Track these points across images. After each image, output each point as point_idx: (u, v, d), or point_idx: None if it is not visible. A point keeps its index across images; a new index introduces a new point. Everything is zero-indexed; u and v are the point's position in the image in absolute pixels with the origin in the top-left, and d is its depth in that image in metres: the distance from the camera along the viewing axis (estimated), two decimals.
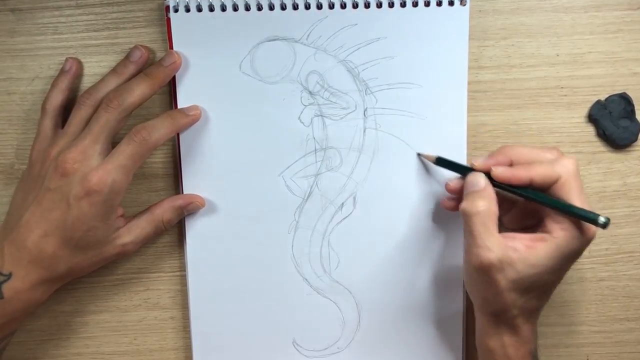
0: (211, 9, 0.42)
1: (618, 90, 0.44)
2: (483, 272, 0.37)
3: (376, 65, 0.43)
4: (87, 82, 0.43)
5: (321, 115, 0.43)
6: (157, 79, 0.41)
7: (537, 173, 0.37)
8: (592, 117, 0.44)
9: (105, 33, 0.43)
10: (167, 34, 0.42)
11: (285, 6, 0.42)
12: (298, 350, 0.46)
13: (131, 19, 0.43)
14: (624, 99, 0.44)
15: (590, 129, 0.45)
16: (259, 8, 0.42)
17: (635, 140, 0.44)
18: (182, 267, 0.45)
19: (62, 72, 0.42)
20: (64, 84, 0.42)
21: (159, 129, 0.40)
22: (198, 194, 0.43)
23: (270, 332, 0.45)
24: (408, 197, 0.44)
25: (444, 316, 0.45)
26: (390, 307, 0.45)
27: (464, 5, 0.42)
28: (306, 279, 0.45)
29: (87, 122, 0.40)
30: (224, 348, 0.46)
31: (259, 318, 0.45)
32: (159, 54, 0.43)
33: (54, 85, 0.42)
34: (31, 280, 0.39)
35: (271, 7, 0.42)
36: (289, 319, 0.45)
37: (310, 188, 0.44)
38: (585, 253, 0.45)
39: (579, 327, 0.47)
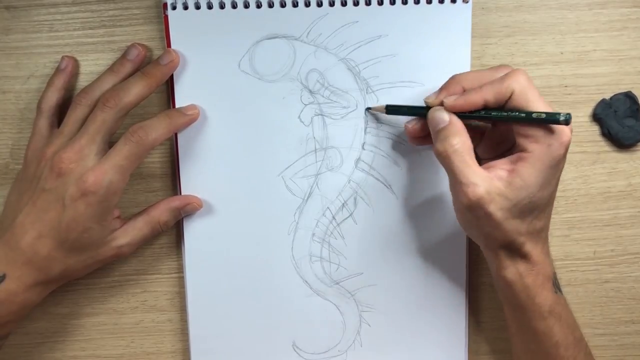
0: (209, 6, 0.42)
1: (623, 88, 0.44)
2: (475, 209, 0.36)
3: (377, 64, 0.43)
4: (83, 80, 0.43)
5: (321, 115, 0.43)
6: (154, 78, 0.41)
7: (489, 93, 0.37)
8: (597, 116, 0.44)
9: (101, 31, 0.43)
10: (165, 31, 0.42)
11: (285, 3, 0.42)
12: (298, 354, 0.46)
13: (128, 16, 0.43)
14: (630, 98, 0.44)
15: (595, 128, 0.45)
16: (258, 5, 0.42)
17: None
18: (180, 269, 0.45)
19: (57, 70, 0.42)
20: (59, 83, 0.42)
21: (157, 128, 0.40)
22: (196, 195, 0.43)
23: (270, 334, 0.45)
24: (410, 197, 0.44)
25: (446, 319, 0.45)
26: (392, 310, 0.45)
27: (467, 2, 0.42)
28: (306, 281, 0.45)
29: (83, 121, 0.40)
30: (223, 351, 0.45)
31: (258, 320, 0.45)
32: (157, 53, 0.43)
33: (49, 84, 0.42)
34: (25, 282, 0.39)
35: (270, 5, 0.42)
36: (288, 322, 0.45)
37: (311, 188, 0.44)
38: (590, 254, 0.46)
39: (584, 329, 0.45)
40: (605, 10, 0.43)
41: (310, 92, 0.43)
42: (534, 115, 0.36)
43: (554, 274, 0.40)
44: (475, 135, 0.40)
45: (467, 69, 0.43)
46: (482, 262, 0.46)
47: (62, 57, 0.42)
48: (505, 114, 0.37)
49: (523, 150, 0.37)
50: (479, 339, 0.47)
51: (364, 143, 0.44)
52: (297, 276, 0.45)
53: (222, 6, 0.42)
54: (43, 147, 0.40)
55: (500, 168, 0.37)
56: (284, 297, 0.45)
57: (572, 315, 0.40)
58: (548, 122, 0.35)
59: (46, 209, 0.38)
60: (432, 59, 0.43)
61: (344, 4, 0.42)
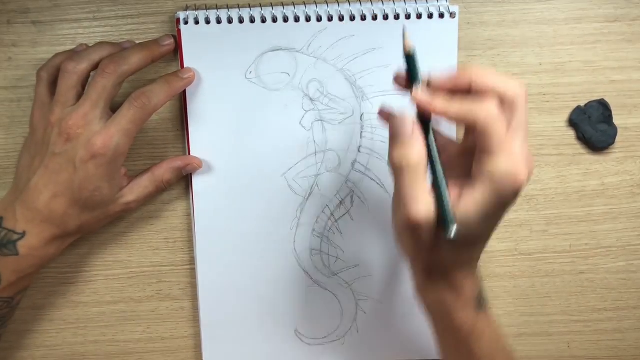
0: (219, 21, 0.43)
1: (597, 96, 0.46)
2: (413, 229, 0.33)
3: (372, 74, 0.44)
4: None
5: (321, 120, 0.44)
6: (151, 52, 0.41)
7: (458, 111, 0.33)
8: (573, 122, 0.46)
9: None
10: (178, 44, 0.43)
11: (288, 19, 0.43)
12: (300, 339, 0.47)
13: (144, 30, 0.44)
14: (602, 105, 0.45)
15: (571, 133, 0.46)
16: (263, 20, 0.43)
17: (613, 143, 0.46)
18: (192, 261, 0.47)
19: (70, 50, 0.43)
20: (63, 57, 0.42)
21: (158, 94, 0.40)
22: (196, 157, 0.45)
23: (274, 321, 0.47)
24: None
25: None
26: (385, 298, 0.47)
27: (454, 18, 0.43)
28: (307, 272, 0.46)
29: (76, 88, 0.40)
30: (231, 336, 0.47)
31: (263, 308, 0.46)
32: (169, 63, 0.44)
33: (55, 55, 0.42)
34: (45, 237, 0.40)
35: (274, 20, 0.43)
36: (291, 310, 0.47)
37: (311, 188, 0.45)
38: (567, 248, 0.47)
39: (561, 317, 0.48)
40: (580, 25, 0.45)
41: (311, 99, 0.44)
42: (441, 202, 0.33)
43: (480, 291, 0.37)
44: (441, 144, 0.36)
45: None
46: None
47: (80, 45, 0.43)
48: (433, 168, 0.34)
49: (474, 177, 0.33)
50: None
51: (360, 146, 0.45)
52: (298, 268, 0.46)
53: (230, 21, 0.43)
54: (46, 114, 0.40)
55: (450, 191, 0.34)
56: (286, 287, 0.46)
57: (495, 328, 0.38)
58: (442, 220, 0.33)
59: (58, 171, 0.39)
60: (422, 69, 0.43)
61: (341, 19, 0.43)
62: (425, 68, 0.43)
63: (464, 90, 0.34)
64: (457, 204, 0.33)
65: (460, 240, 0.34)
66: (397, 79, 0.37)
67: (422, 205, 0.33)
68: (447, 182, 0.34)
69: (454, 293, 0.36)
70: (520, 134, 0.33)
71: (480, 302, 0.37)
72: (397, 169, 0.34)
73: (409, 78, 0.36)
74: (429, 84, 0.35)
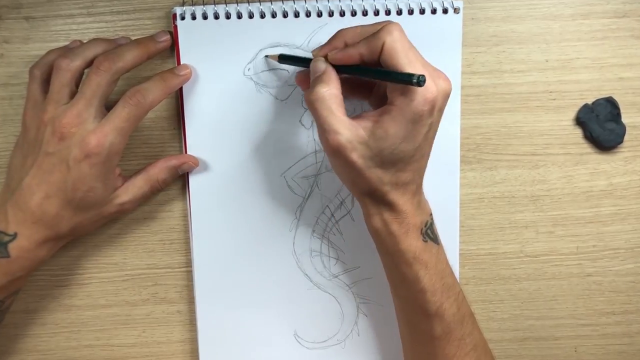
0: (216, 16, 0.42)
1: (604, 94, 0.45)
2: (337, 155, 0.36)
3: None
4: None
5: None
6: (147, 48, 0.41)
7: (363, 47, 0.37)
8: (580, 120, 0.45)
9: None
10: (174, 40, 0.43)
11: (287, 14, 0.43)
12: (299, 342, 0.47)
13: (140, 26, 0.44)
14: (610, 103, 0.45)
15: (578, 132, 0.46)
16: (262, 16, 0.43)
17: (621, 142, 0.45)
18: (189, 264, 0.46)
19: (63, 47, 0.42)
20: (57, 54, 0.41)
21: (153, 91, 0.40)
22: (192, 155, 0.44)
23: (273, 325, 0.47)
24: None
25: None
26: (387, 300, 0.46)
27: (458, 13, 0.43)
28: (307, 274, 0.46)
29: (70, 86, 0.40)
30: (229, 340, 0.47)
31: (261, 311, 0.46)
32: (166, 59, 0.44)
33: (48, 52, 0.42)
34: (36, 239, 0.39)
35: (273, 15, 0.43)
36: (290, 313, 0.46)
37: (311, 188, 0.45)
38: (574, 250, 0.47)
39: (568, 320, 0.48)
40: (588, 20, 0.44)
41: None
42: (391, 73, 0.35)
43: (427, 223, 0.40)
44: (366, 89, 0.41)
45: (458, 75, 0.44)
46: (472, 258, 0.47)
47: (73, 41, 0.42)
48: (367, 69, 0.37)
49: (390, 103, 0.36)
50: None
51: None
52: (298, 270, 0.46)
53: (228, 16, 0.42)
54: (39, 113, 0.40)
55: (368, 118, 0.37)
56: (286, 289, 0.46)
57: (443, 263, 0.40)
58: (403, 81, 0.35)
59: (51, 171, 0.39)
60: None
61: (342, 14, 0.43)
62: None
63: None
64: (377, 129, 0.36)
65: (386, 159, 0.36)
66: (299, 82, 0.42)
67: (341, 129, 0.36)
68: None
69: (397, 217, 0.38)
70: (418, 55, 0.36)
71: (427, 235, 0.40)
72: (311, 104, 0.37)
73: (304, 64, 0.40)
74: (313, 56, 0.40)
